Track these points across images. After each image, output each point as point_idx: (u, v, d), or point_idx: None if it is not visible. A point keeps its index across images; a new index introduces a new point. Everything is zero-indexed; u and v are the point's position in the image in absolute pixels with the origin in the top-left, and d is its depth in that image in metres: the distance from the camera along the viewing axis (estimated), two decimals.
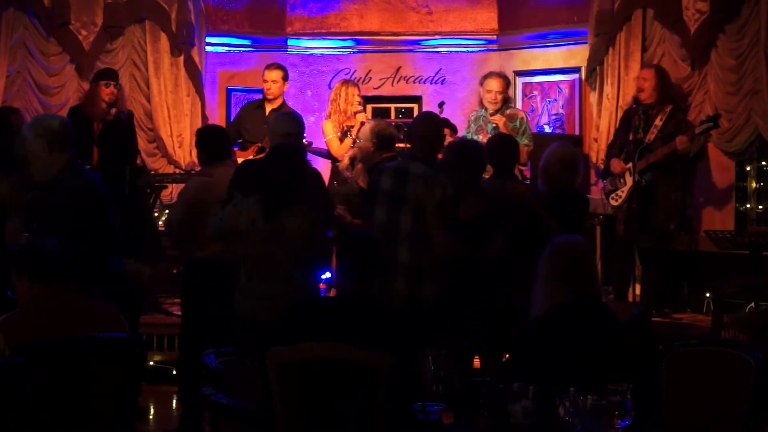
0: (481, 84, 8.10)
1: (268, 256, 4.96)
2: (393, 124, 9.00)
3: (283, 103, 8.27)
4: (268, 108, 8.17)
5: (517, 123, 7.86)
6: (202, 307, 5.93)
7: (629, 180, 7.71)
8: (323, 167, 8.73)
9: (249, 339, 5.04)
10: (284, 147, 5.29)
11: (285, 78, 8.26)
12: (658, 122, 7.69)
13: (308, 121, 9.48)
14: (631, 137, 7.78)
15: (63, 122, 5.29)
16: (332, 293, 7.72)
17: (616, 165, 7.82)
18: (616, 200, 7.81)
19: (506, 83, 8.03)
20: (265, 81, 8.21)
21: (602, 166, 8.25)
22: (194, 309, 5.99)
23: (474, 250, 5.43)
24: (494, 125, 7.77)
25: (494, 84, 7.92)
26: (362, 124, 7.86)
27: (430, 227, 5.25)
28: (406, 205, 5.31)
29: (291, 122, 5.71)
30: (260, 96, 8.40)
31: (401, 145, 7.36)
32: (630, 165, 7.70)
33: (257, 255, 5.00)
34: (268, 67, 8.31)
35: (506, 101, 8.00)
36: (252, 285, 5.02)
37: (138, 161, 7.94)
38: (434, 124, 5.68)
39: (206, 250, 5.73)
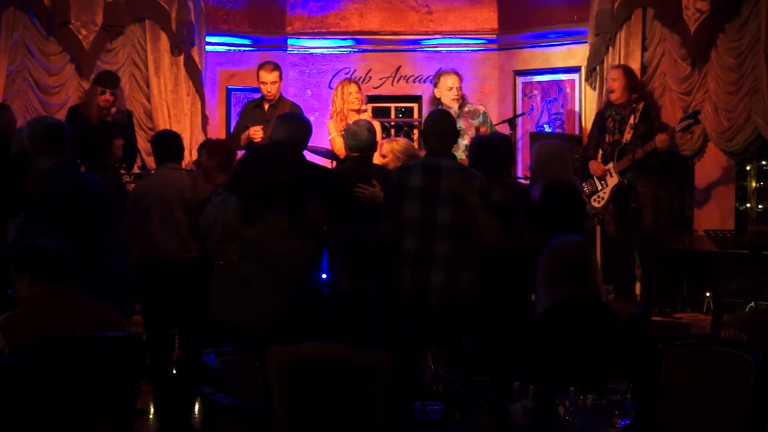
0: (436, 84, 8.11)
1: (226, 259, 4.97)
2: (393, 123, 9.02)
3: (281, 98, 8.26)
4: (266, 106, 8.16)
5: (480, 118, 7.94)
6: (158, 307, 6.03)
7: (610, 181, 7.77)
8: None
9: (217, 340, 5.11)
10: (273, 148, 5.32)
11: (281, 76, 8.27)
12: (632, 121, 7.73)
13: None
14: (607, 138, 7.85)
15: (48, 125, 5.31)
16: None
17: (595, 167, 7.86)
18: (599, 202, 7.85)
19: (461, 79, 8.09)
20: (264, 83, 8.15)
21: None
22: (152, 310, 6.08)
23: (524, 237, 5.48)
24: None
25: (452, 80, 8.00)
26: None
27: (478, 218, 5.20)
28: (442, 199, 5.27)
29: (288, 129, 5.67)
30: (258, 95, 8.39)
31: None
32: (609, 166, 7.75)
33: (219, 257, 5.01)
34: (264, 68, 8.20)
35: (463, 98, 8.07)
36: (216, 287, 5.05)
37: (138, 161, 7.91)
38: (451, 120, 5.67)
39: (152, 252, 5.87)
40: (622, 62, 8.47)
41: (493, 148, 5.87)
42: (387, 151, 6.44)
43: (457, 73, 8.13)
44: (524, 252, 5.58)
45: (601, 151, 7.94)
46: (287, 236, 4.83)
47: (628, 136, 7.71)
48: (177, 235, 5.88)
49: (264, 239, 4.83)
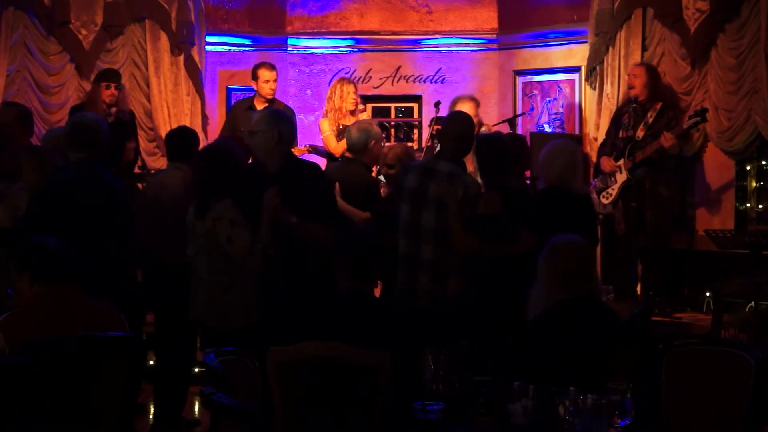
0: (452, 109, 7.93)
1: (189, 258, 5.06)
2: (393, 123, 9.02)
3: (275, 100, 8.27)
4: (260, 107, 8.15)
5: None
6: (160, 309, 6.06)
7: (619, 178, 7.75)
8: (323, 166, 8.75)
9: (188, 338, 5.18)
10: (208, 147, 5.38)
11: (277, 77, 8.30)
12: (648, 119, 7.72)
13: (308, 120, 9.52)
14: (621, 134, 7.82)
15: (75, 122, 5.51)
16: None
17: (606, 163, 7.85)
18: (607, 198, 7.83)
19: (477, 106, 7.91)
20: (267, 81, 8.14)
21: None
22: (156, 311, 6.11)
23: (497, 248, 5.41)
24: None
25: (468, 107, 7.81)
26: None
27: (450, 224, 5.25)
28: (428, 202, 5.30)
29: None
30: (250, 95, 8.39)
31: None
32: (620, 163, 7.73)
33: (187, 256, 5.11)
34: (266, 66, 8.21)
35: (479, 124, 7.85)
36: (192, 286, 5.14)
37: (138, 162, 7.91)
38: (466, 124, 5.62)
39: (148, 254, 5.88)
40: (622, 62, 8.47)
41: (488, 148, 5.82)
42: (394, 161, 6.19)
43: (473, 100, 7.99)
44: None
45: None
46: (232, 223, 4.84)
47: (641, 133, 7.69)
48: (166, 239, 5.84)
49: (211, 229, 4.89)
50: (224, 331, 4.86)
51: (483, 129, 7.82)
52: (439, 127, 6.35)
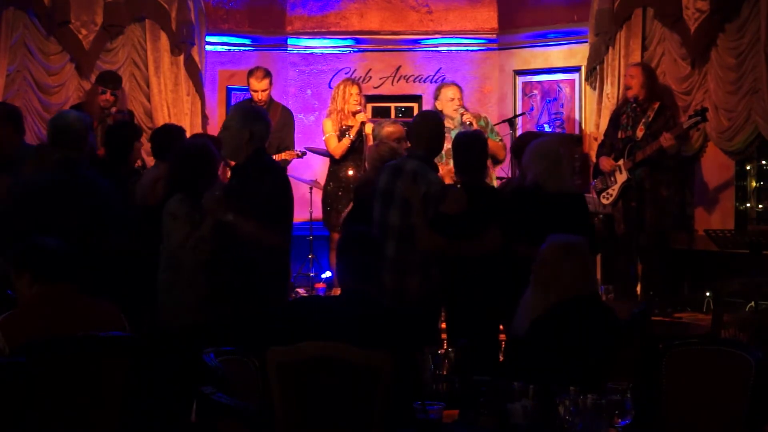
0: (437, 97, 7.89)
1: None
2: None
3: (272, 102, 8.27)
4: None
5: (483, 122, 7.91)
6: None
7: (619, 178, 7.75)
8: (322, 166, 8.74)
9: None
10: (178, 146, 5.42)
11: (272, 82, 8.28)
12: (646, 119, 7.72)
13: (308, 120, 9.52)
14: (620, 135, 7.83)
15: (54, 120, 5.52)
16: (335, 292, 7.74)
17: (606, 163, 7.85)
18: (607, 198, 7.84)
19: (461, 90, 7.97)
20: (255, 91, 8.18)
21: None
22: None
23: (461, 246, 5.42)
24: (469, 122, 7.73)
25: (452, 91, 7.84)
26: (362, 124, 7.88)
27: (414, 222, 5.32)
28: (395, 201, 5.39)
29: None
30: (248, 96, 8.39)
31: None
32: (620, 163, 7.74)
33: None
34: (254, 75, 8.20)
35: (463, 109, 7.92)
36: None
37: (138, 162, 7.90)
38: (432, 123, 5.69)
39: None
40: (622, 62, 8.47)
41: (466, 145, 5.81)
42: (369, 159, 6.14)
43: (457, 85, 8.03)
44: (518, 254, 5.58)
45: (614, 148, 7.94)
46: (173, 217, 4.91)
47: (640, 133, 7.70)
48: (141, 236, 5.87)
49: (163, 224, 4.97)
50: (169, 330, 4.89)
51: (474, 117, 7.87)
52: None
